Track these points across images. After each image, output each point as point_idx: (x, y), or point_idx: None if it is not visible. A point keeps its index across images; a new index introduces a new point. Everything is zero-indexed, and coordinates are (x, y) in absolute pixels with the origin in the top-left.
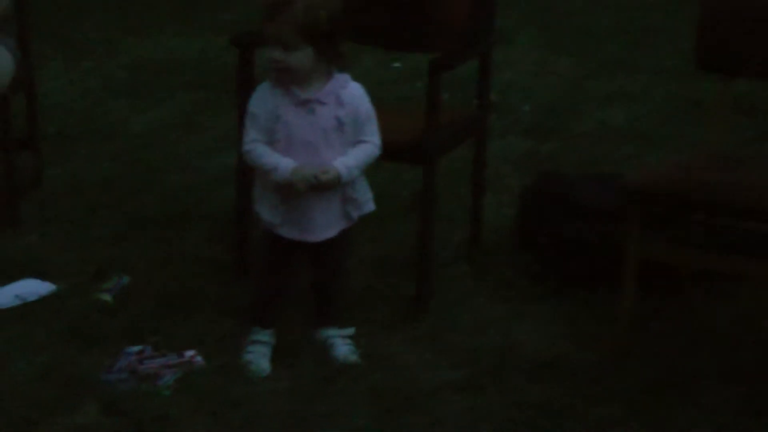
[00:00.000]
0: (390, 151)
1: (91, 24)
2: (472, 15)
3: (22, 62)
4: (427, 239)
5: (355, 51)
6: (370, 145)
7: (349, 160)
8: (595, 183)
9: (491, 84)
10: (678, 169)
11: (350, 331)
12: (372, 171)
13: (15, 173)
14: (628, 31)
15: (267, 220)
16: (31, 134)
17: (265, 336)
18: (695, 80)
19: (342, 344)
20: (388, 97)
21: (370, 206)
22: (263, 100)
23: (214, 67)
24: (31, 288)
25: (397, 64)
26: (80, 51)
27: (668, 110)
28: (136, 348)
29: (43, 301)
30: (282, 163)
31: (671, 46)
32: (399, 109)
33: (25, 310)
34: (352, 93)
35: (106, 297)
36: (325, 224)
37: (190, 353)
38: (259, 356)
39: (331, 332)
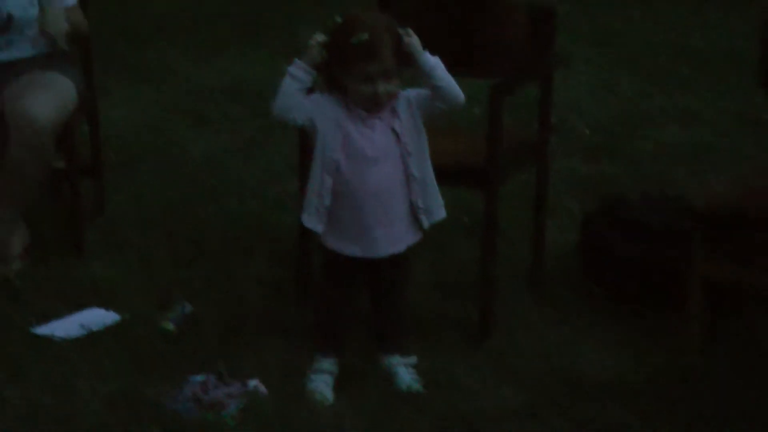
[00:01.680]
0: (451, 176)
1: (154, 50)
2: (531, 38)
3: (85, 90)
4: (489, 264)
5: (413, 76)
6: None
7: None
8: (657, 204)
9: (552, 106)
10: (742, 189)
11: (413, 359)
12: None
13: (80, 201)
14: (686, 50)
15: (311, 227)
16: (94, 162)
17: (328, 364)
18: (755, 98)
19: (405, 373)
20: (448, 123)
21: (441, 213)
22: (323, 104)
23: (275, 92)
24: (96, 317)
25: None
26: (143, 77)
27: (729, 128)
28: (200, 377)
29: (107, 330)
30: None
31: (730, 65)
32: (459, 132)
33: (90, 339)
34: (408, 97)
35: (170, 326)
36: (388, 240)
37: (253, 382)
38: (322, 385)
39: (395, 360)
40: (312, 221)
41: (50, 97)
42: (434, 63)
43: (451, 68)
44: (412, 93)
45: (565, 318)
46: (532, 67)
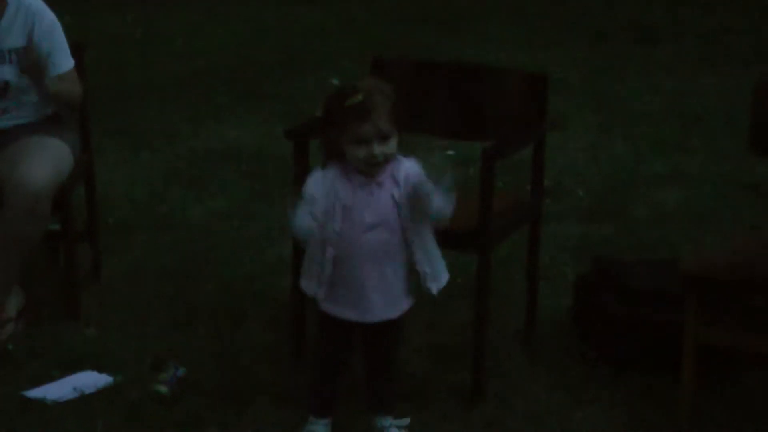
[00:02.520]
0: (445, 238)
1: (150, 114)
2: (524, 102)
3: (82, 154)
4: (482, 326)
5: (408, 139)
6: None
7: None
8: (650, 268)
9: (545, 169)
10: (735, 254)
11: (406, 421)
12: None
13: (75, 265)
14: (682, 114)
15: (310, 293)
16: (90, 226)
17: (321, 426)
18: (750, 163)
19: None
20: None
21: (445, 276)
22: (320, 183)
23: (271, 156)
24: (89, 380)
25: (450, 152)
26: (138, 141)
27: (723, 193)
28: None
29: (100, 393)
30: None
31: (725, 129)
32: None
33: (83, 402)
34: (406, 169)
35: (163, 389)
36: (384, 305)
37: None
38: None
39: (387, 422)
40: (312, 287)
41: (46, 162)
42: (441, 209)
43: (445, 132)
44: (412, 175)
45: (559, 381)
46: (526, 131)
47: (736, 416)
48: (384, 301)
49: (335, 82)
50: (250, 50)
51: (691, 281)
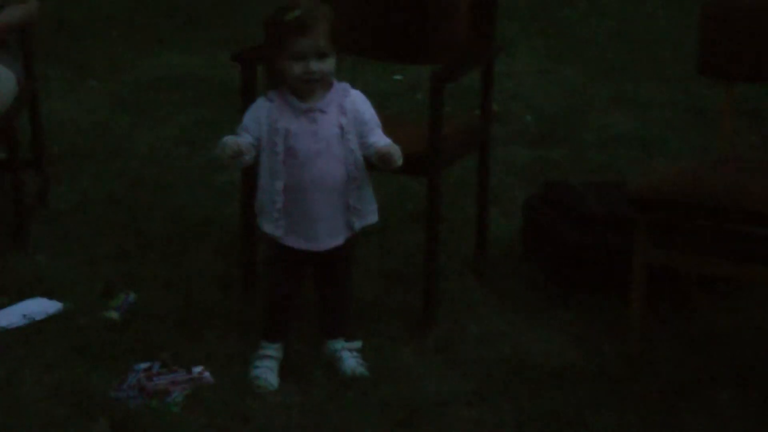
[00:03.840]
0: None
1: (94, 43)
2: (472, 26)
3: (25, 82)
4: (433, 251)
5: (356, 64)
6: (392, 143)
7: (386, 140)
8: (598, 191)
9: (493, 94)
10: (682, 175)
11: (358, 344)
12: (376, 182)
13: (22, 193)
14: (629, 39)
15: (270, 232)
16: (36, 154)
17: (273, 350)
18: (697, 86)
19: (350, 357)
20: (390, 110)
21: (373, 217)
22: (256, 113)
23: (216, 83)
24: (39, 307)
25: (397, 77)
26: (84, 70)
27: (671, 117)
28: (144, 365)
29: (50, 319)
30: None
31: (672, 53)
32: (401, 120)
33: (33, 329)
34: (353, 100)
35: (114, 315)
36: (330, 233)
37: (198, 369)
38: (267, 371)
39: (339, 345)
40: (270, 227)
41: None
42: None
43: (393, 56)
44: (359, 112)
45: (509, 304)
46: (474, 55)
47: (683, 338)
48: (329, 229)
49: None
50: None
51: (639, 202)
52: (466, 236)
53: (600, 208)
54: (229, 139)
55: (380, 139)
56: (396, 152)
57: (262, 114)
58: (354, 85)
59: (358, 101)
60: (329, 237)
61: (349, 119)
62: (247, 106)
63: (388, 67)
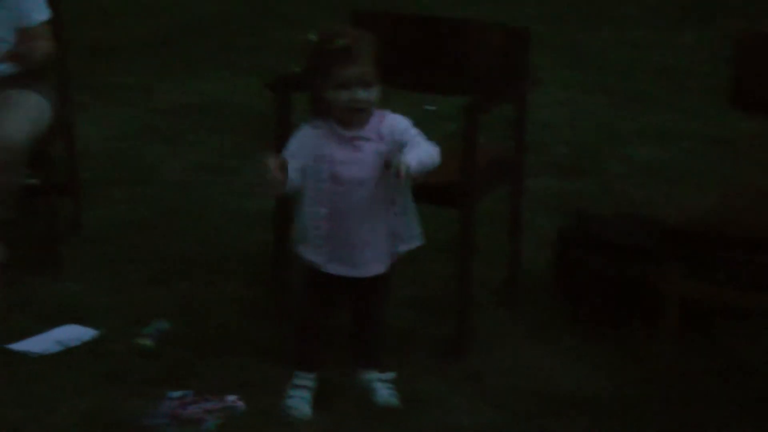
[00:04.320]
0: (427, 194)
1: (127, 69)
2: (506, 58)
3: (60, 109)
4: (465, 281)
5: (389, 94)
6: (432, 146)
7: (418, 153)
8: (629, 222)
9: (526, 125)
10: (713, 208)
11: (390, 375)
12: None
13: (55, 219)
14: (658, 70)
15: (311, 260)
16: (70, 180)
17: (307, 380)
18: (724, 118)
19: (382, 388)
20: None
21: (417, 241)
22: (302, 141)
23: (247, 110)
24: (72, 333)
25: (429, 107)
26: (117, 96)
27: (702, 148)
28: (177, 393)
29: (84, 346)
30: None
31: (700, 84)
32: None
33: (67, 355)
34: (390, 124)
35: (147, 342)
36: (373, 260)
37: (231, 398)
38: (300, 401)
39: (372, 376)
40: (311, 254)
41: (23, 115)
42: (423, 165)
43: (426, 86)
44: (395, 130)
45: (540, 335)
46: (507, 87)
47: (713, 369)
48: (374, 256)
49: (313, 37)
50: (226, 4)
51: (671, 236)
52: (497, 266)
53: (629, 240)
54: (272, 163)
55: (410, 150)
56: (402, 166)
57: (308, 141)
58: None
59: (394, 123)
60: (373, 263)
61: (387, 143)
62: (281, 133)
63: (420, 96)
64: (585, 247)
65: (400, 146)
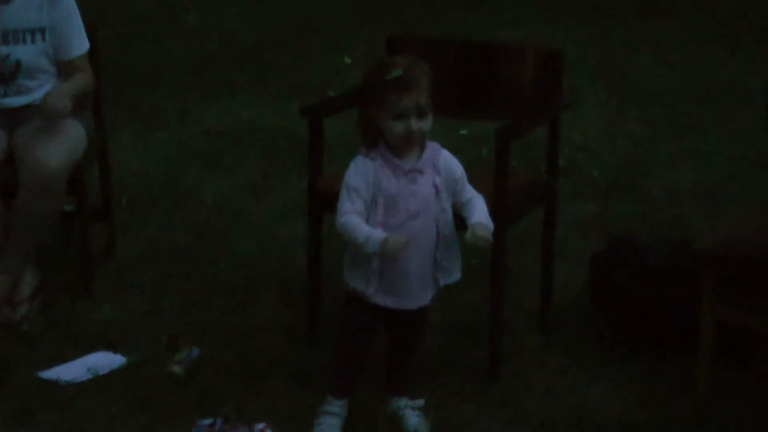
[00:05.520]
0: (459, 217)
1: (163, 93)
2: (539, 81)
3: (95, 134)
4: (498, 306)
5: None
6: (481, 198)
7: (483, 212)
8: (666, 246)
9: (560, 148)
10: (751, 233)
11: (420, 402)
12: None
13: (89, 244)
14: (696, 91)
15: (359, 289)
16: (105, 204)
17: (338, 407)
18: (765, 140)
19: (413, 415)
20: None
21: (458, 274)
22: (363, 173)
23: (284, 133)
24: (103, 361)
25: (463, 131)
26: (152, 120)
27: (738, 171)
28: (207, 421)
29: (114, 373)
30: (373, 235)
31: (739, 106)
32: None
33: (98, 383)
34: (445, 159)
35: (178, 369)
36: (420, 292)
37: (260, 426)
38: (330, 428)
39: (402, 403)
40: (360, 283)
41: (61, 142)
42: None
43: (458, 111)
44: (450, 169)
45: (574, 359)
46: (539, 110)
47: (750, 395)
48: (421, 288)
49: (347, 60)
50: (263, 27)
51: (708, 260)
52: (531, 290)
53: (666, 263)
54: (391, 241)
55: (473, 209)
56: (486, 238)
57: (369, 173)
58: None
59: (449, 160)
60: (419, 295)
61: (442, 178)
62: (315, 158)
63: (454, 120)
64: (621, 270)
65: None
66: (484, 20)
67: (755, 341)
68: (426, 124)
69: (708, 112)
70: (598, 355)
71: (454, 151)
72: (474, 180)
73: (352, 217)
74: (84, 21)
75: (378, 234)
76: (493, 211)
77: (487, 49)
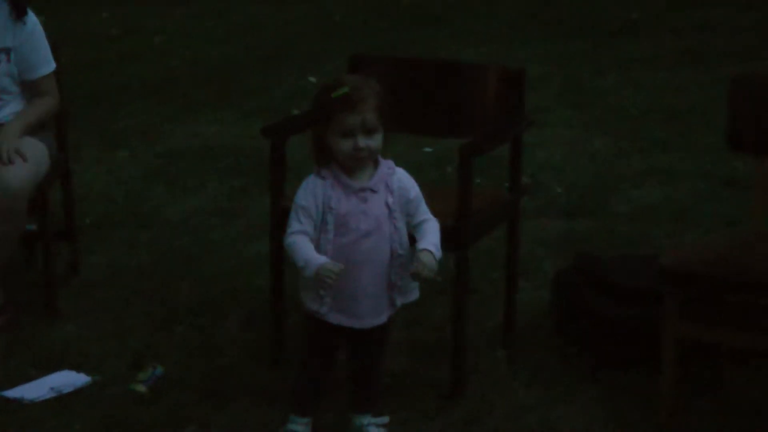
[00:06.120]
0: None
1: (127, 114)
2: (502, 99)
3: (58, 154)
4: (461, 324)
5: (387, 137)
6: (434, 221)
7: (433, 238)
8: (629, 264)
9: (523, 166)
10: (713, 249)
11: (385, 419)
12: None
13: (53, 264)
14: (660, 110)
15: (312, 309)
16: (68, 224)
17: (301, 426)
18: (729, 159)
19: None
20: (420, 182)
21: (415, 294)
22: (312, 193)
23: (248, 154)
24: (67, 380)
25: (427, 149)
26: (116, 141)
27: (703, 189)
28: None
29: (78, 392)
30: (310, 260)
31: (703, 125)
32: (431, 193)
33: (61, 402)
34: (399, 178)
35: (141, 388)
36: (374, 311)
37: None
38: None
39: (366, 420)
40: (314, 304)
41: (23, 162)
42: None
43: (423, 129)
44: (404, 189)
45: (538, 377)
46: (502, 128)
47: (715, 413)
48: (374, 307)
49: (312, 80)
50: (228, 48)
51: (670, 277)
52: (494, 308)
53: (630, 281)
54: (323, 269)
55: (424, 234)
56: (431, 267)
57: (318, 192)
58: (383, 157)
59: (404, 179)
60: (373, 315)
61: (395, 198)
62: (277, 179)
63: (418, 138)
64: (585, 288)
65: (412, 227)
66: (448, 39)
67: (719, 357)
68: (374, 141)
69: (673, 130)
70: (562, 373)
71: (418, 169)
72: (438, 197)
73: (298, 237)
74: (48, 41)
75: (315, 260)
76: (457, 228)
77: (451, 68)
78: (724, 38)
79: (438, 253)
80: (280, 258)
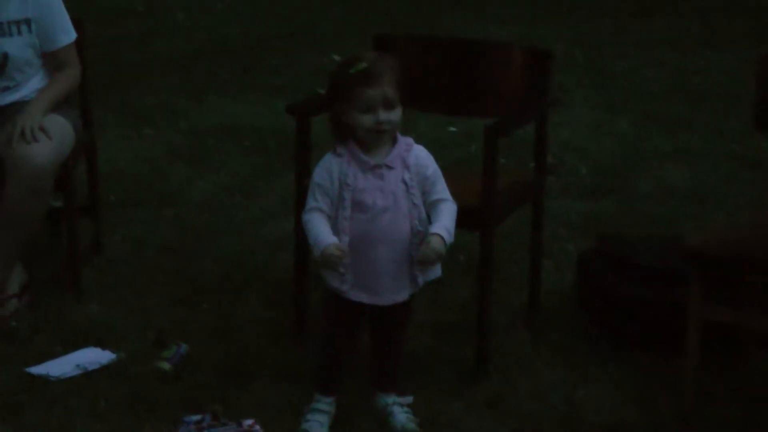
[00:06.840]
0: None
1: (151, 91)
2: (527, 79)
3: (83, 131)
4: (486, 304)
5: (411, 115)
6: (451, 203)
7: (446, 222)
8: (654, 245)
9: (548, 146)
10: (738, 231)
11: (409, 399)
12: None
13: (77, 241)
14: (686, 91)
15: (334, 286)
16: (92, 202)
17: (326, 405)
18: (753, 140)
19: (400, 412)
20: (444, 161)
21: (437, 272)
22: (328, 170)
23: (272, 132)
24: (92, 357)
25: (452, 128)
26: (140, 118)
27: (728, 170)
28: (195, 417)
29: (103, 370)
30: (319, 240)
31: (729, 106)
32: (455, 173)
33: (86, 379)
34: (417, 155)
35: (166, 366)
36: (394, 288)
37: (248, 422)
38: (317, 425)
39: (390, 399)
40: (335, 281)
41: (47, 140)
42: (452, 236)
43: (447, 108)
44: (422, 166)
45: (562, 358)
46: (528, 108)
47: (739, 395)
48: (395, 284)
49: (336, 58)
50: (252, 25)
51: (694, 258)
52: (518, 289)
53: (654, 262)
54: (329, 248)
55: (438, 215)
56: (439, 252)
57: (334, 170)
58: (408, 136)
59: (421, 156)
60: (393, 292)
61: (412, 174)
62: (303, 157)
63: (443, 117)
64: (609, 268)
65: (427, 206)
66: (473, 18)
67: (743, 339)
68: (395, 115)
69: (697, 111)
70: (586, 353)
71: (443, 148)
72: (462, 177)
73: (314, 215)
74: (71, 17)
75: (324, 240)
76: (482, 208)
77: (476, 47)
78: (749, 18)
79: (450, 237)
80: (303, 237)
